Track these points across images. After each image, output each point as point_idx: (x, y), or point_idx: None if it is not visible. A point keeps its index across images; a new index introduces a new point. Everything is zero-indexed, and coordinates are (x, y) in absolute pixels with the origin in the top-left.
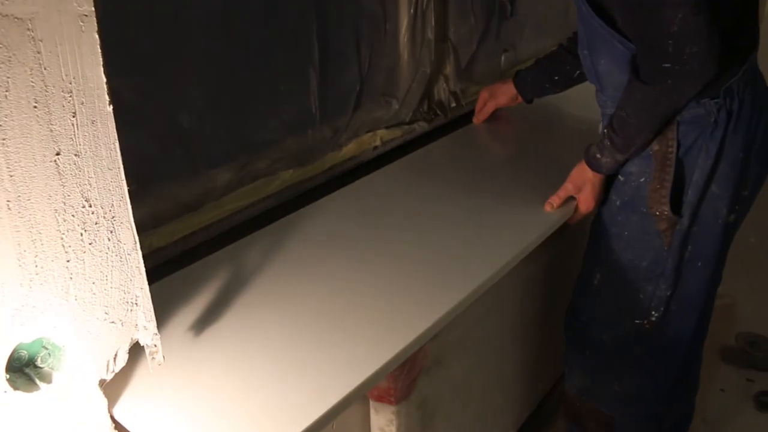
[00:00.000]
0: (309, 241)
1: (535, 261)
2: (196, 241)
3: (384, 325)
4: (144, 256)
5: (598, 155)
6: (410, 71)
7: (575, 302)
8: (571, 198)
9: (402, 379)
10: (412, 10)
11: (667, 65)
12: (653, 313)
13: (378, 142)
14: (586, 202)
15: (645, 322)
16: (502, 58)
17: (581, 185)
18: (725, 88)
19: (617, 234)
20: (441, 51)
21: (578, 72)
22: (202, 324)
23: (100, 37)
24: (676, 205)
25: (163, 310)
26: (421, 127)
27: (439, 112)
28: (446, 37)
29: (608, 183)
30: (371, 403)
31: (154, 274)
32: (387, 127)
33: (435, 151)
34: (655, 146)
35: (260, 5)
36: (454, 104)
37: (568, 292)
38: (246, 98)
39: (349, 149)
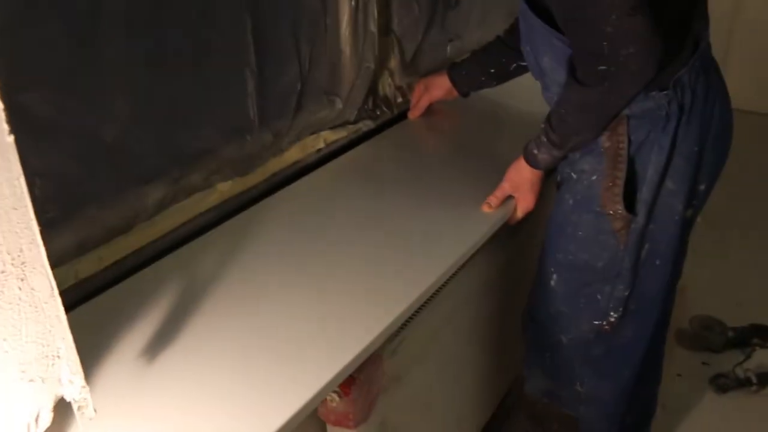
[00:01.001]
0: (246, 252)
1: (489, 264)
2: (127, 266)
3: (325, 339)
4: (70, 288)
5: (535, 151)
6: (353, 67)
7: (532, 303)
8: (510, 197)
9: (360, 402)
10: (353, 2)
11: (602, 67)
12: (612, 314)
13: (322, 144)
14: (524, 201)
15: (604, 323)
16: (449, 48)
17: (519, 183)
18: (675, 80)
19: (572, 234)
20: (385, 44)
21: (515, 65)
22: (140, 356)
23: None
24: (630, 203)
25: (94, 344)
26: (366, 125)
27: (385, 108)
28: (390, 30)
29: (560, 181)
30: (329, 428)
31: (83, 306)
32: (331, 128)
33: (370, 151)
34: (605, 143)
35: (188, 2)
36: (400, 99)
37: (525, 293)
38: (176, 106)
39: (292, 154)
